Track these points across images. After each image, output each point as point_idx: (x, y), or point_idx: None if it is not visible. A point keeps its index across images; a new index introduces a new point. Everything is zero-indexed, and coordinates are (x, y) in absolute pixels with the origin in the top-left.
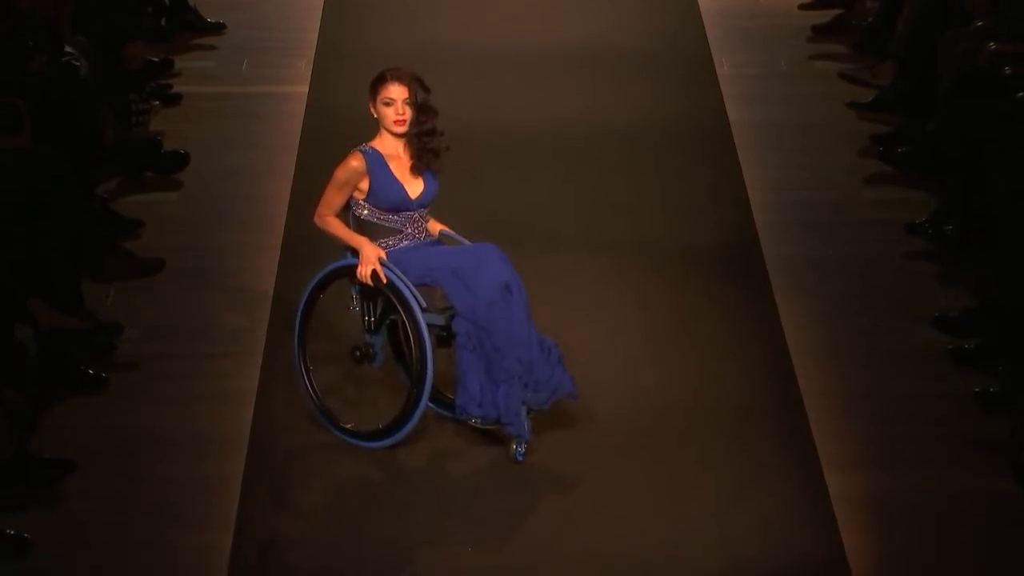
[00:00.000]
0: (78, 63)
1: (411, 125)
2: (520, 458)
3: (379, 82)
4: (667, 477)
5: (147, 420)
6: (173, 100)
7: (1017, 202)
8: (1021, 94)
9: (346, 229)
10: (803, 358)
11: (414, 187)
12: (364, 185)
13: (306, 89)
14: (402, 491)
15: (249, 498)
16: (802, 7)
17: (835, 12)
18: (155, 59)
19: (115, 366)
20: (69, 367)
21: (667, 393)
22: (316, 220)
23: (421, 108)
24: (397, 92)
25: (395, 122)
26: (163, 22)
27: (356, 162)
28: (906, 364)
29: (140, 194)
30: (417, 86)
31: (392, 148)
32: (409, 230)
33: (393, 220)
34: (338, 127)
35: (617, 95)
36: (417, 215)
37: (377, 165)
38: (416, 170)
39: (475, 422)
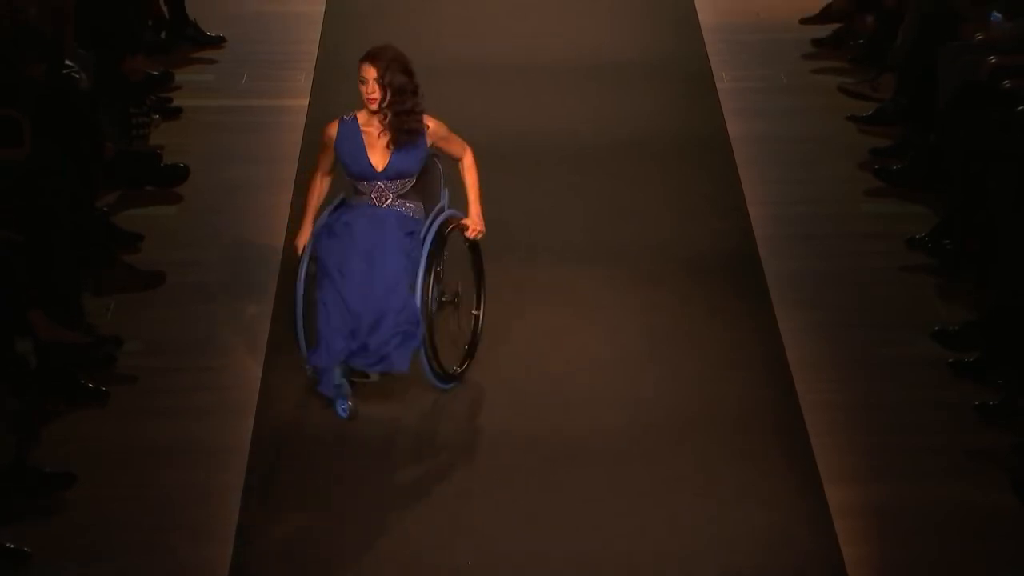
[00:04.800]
0: (78, 76)
1: (384, 105)
2: (343, 414)
3: (360, 59)
4: (667, 487)
5: (148, 432)
6: (173, 113)
7: (1017, 213)
8: (1021, 107)
9: (311, 207)
10: (803, 371)
11: (381, 159)
12: None
13: (306, 102)
14: (402, 497)
15: (250, 509)
16: (803, 21)
17: (835, 26)
18: (155, 72)
19: (116, 379)
20: (70, 380)
21: (667, 403)
22: (309, 177)
23: (397, 89)
24: (368, 72)
25: (367, 100)
26: (163, 35)
27: (331, 128)
28: (906, 376)
29: (140, 207)
30: (390, 67)
31: (373, 119)
32: (374, 198)
33: (362, 186)
34: None
35: (618, 108)
36: (383, 185)
37: (349, 133)
38: (392, 145)
39: (308, 371)
